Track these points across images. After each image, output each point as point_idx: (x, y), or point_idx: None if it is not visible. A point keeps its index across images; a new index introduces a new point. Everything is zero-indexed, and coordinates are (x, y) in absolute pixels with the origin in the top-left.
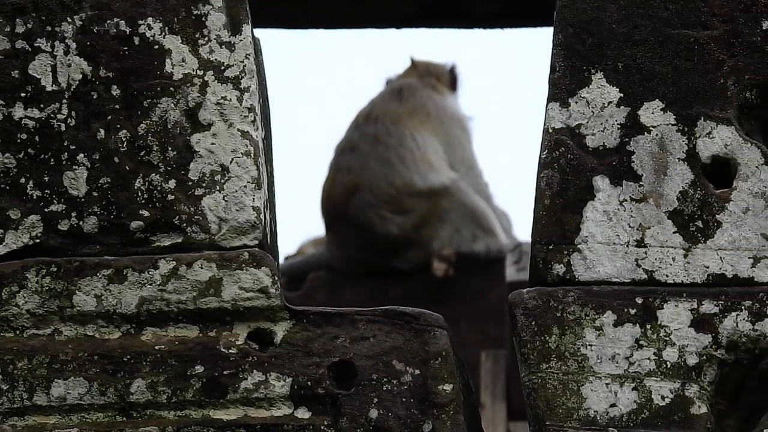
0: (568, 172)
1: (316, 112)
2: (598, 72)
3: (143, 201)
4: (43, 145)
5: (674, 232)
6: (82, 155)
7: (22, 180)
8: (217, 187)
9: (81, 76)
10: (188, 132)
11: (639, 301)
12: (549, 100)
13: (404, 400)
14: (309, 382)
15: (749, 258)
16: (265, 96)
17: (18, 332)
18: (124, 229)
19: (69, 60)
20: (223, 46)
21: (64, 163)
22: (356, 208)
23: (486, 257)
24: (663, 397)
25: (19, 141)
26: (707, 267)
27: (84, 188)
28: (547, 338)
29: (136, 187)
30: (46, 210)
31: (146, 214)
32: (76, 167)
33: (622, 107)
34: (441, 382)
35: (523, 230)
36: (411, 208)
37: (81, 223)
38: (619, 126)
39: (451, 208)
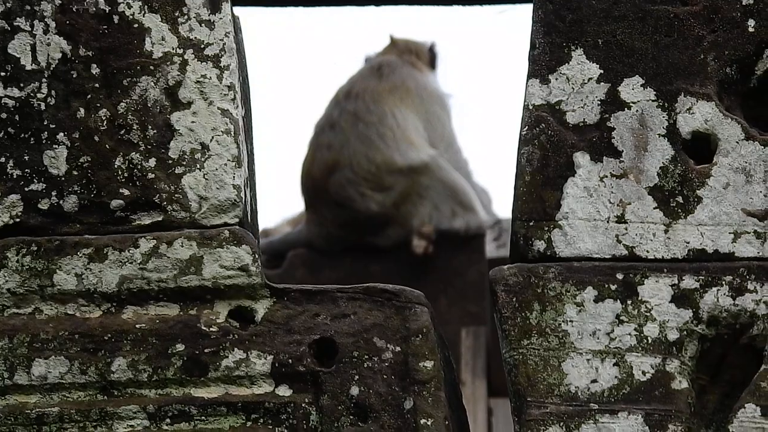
0: (549, 149)
1: (295, 90)
2: (577, 48)
3: (123, 180)
4: (22, 125)
5: (655, 208)
6: (62, 134)
7: (2, 159)
8: (198, 166)
9: (60, 55)
10: (168, 110)
11: (620, 276)
12: (529, 76)
13: (385, 377)
14: (290, 360)
15: (730, 233)
16: (245, 74)
17: None
18: (104, 207)
19: (48, 39)
20: (203, 25)
21: (44, 142)
22: (336, 185)
23: (466, 234)
24: (644, 373)
25: None
26: (688, 242)
27: (64, 167)
28: (528, 314)
29: (116, 166)
30: (26, 189)
31: (126, 192)
32: (56, 146)
33: (602, 83)
34: (422, 359)
35: (502, 207)
36: (391, 186)
37: (61, 202)
38: (599, 102)
39: (430, 185)
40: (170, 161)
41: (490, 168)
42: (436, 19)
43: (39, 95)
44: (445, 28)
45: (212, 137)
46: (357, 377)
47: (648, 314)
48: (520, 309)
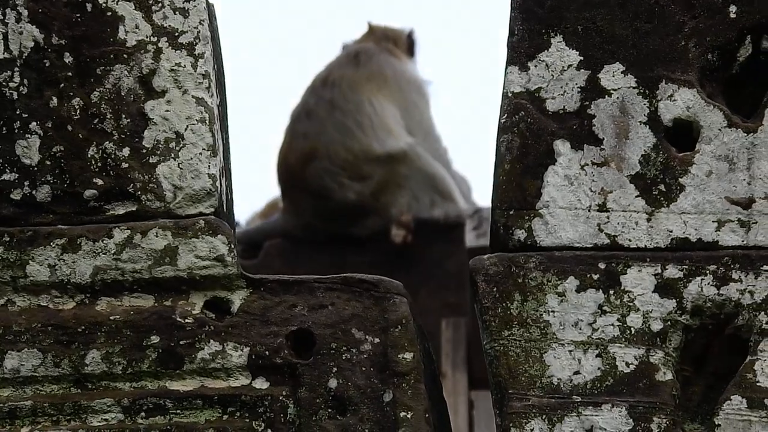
0: (528, 137)
1: (271, 78)
2: (557, 35)
3: (97, 169)
4: None
5: (637, 196)
6: (34, 123)
7: None
8: (172, 155)
9: (33, 43)
10: (142, 99)
11: (602, 266)
12: (508, 63)
13: (364, 369)
14: (267, 352)
15: (713, 222)
16: (219, 62)
17: None
18: (77, 197)
19: (21, 27)
20: (177, 12)
21: (16, 131)
22: (313, 174)
23: (445, 223)
24: (627, 364)
25: None
26: (671, 231)
27: (37, 157)
28: (509, 305)
29: (89, 156)
30: None
31: (100, 182)
32: (29, 136)
33: (582, 70)
34: (401, 351)
35: (482, 195)
36: (369, 175)
37: (34, 192)
38: (579, 89)
39: (409, 174)
40: (144, 150)
41: (470, 156)
42: (415, 6)
43: (11, 84)
44: (424, 15)
45: (187, 126)
46: (335, 369)
47: (631, 304)
48: (500, 299)
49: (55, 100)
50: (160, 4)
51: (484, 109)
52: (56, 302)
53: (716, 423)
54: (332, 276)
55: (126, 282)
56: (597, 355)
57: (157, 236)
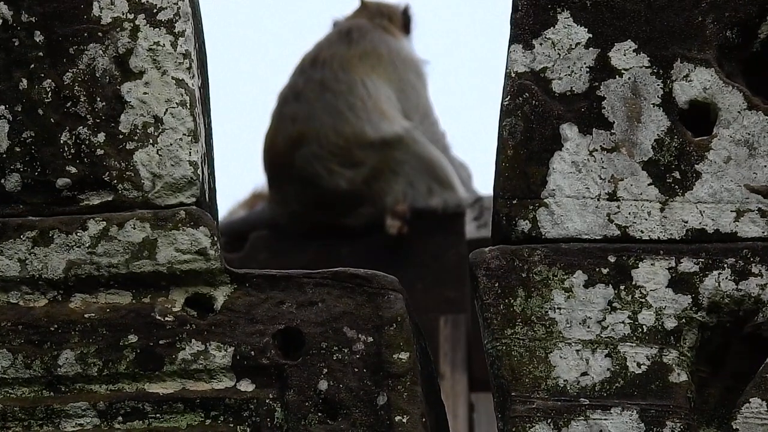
0: (533, 120)
1: (257, 57)
2: (564, 11)
3: (70, 156)
4: None
5: (649, 184)
6: (3, 107)
7: None
8: (150, 141)
9: (1, 21)
10: (118, 81)
11: (612, 259)
12: (511, 41)
13: (356, 370)
14: (252, 352)
15: (732, 211)
16: (201, 41)
17: None
18: (49, 187)
19: None
20: None
21: None
22: (302, 161)
23: (443, 213)
24: (639, 365)
25: None
26: (686, 222)
27: (5, 143)
28: (512, 301)
29: (62, 142)
30: None
31: (73, 170)
32: None
33: (590, 49)
34: (396, 351)
35: (483, 183)
36: (361, 161)
37: (3, 180)
38: (587, 69)
39: (405, 160)
40: (121, 136)
41: (470, 141)
42: None
43: None
44: None
45: (166, 110)
46: (325, 370)
47: (643, 300)
48: (503, 295)
49: (24, 82)
50: None
51: (487, 91)
52: (27, 299)
53: (734, 427)
54: (322, 270)
55: (102, 277)
56: (606, 355)
57: (134, 228)
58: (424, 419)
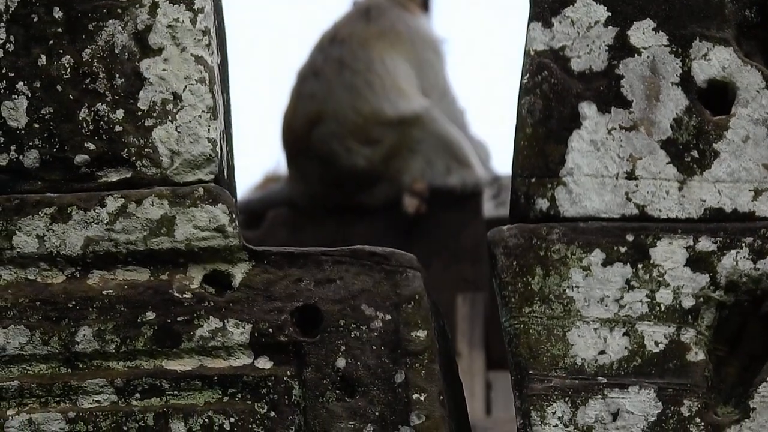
0: (552, 99)
1: (276, 34)
2: None
3: (89, 133)
4: None
5: (668, 163)
6: (21, 83)
7: None
8: (169, 117)
9: None
10: (137, 57)
11: (630, 238)
12: (530, 19)
13: (374, 348)
14: (270, 329)
15: (750, 191)
16: (220, 18)
17: None
18: (68, 163)
19: None
20: None
21: (2, 92)
22: (320, 139)
23: (461, 192)
24: (657, 343)
25: None
26: (704, 201)
27: (24, 119)
28: (530, 279)
29: (80, 118)
30: None
31: (92, 147)
32: (16, 97)
33: (609, 27)
34: (414, 329)
35: (502, 162)
36: (379, 139)
37: (21, 157)
38: (606, 48)
39: (423, 139)
40: (139, 113)
41: (489, 119)
42: None
43: None
44: None
45: (185, 86)
46: (343, 348)
47: (661, 279)
48: (521, 274)
49: (43, 58)
50: None
51: (506, 69)
52: (45, 276)
53: (751, 407)
54: (340, 248)
55: (120, 254)
56: (624, 334)
57: (152, 205)
58: (441, 397)
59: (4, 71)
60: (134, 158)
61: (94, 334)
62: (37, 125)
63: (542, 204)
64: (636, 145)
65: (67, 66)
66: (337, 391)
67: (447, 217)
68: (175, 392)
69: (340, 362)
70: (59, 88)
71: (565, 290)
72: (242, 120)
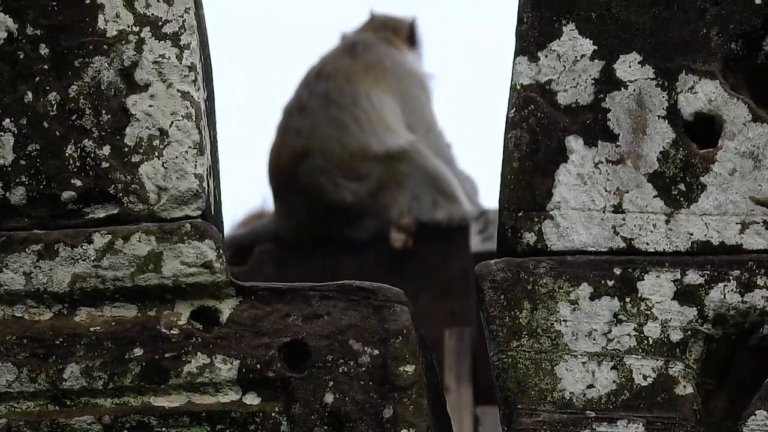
0: (539, 132)
1: (263, 70)
2: (569, 23)
3: (75, 169)
4: None
5: (655, 197)
6: (8, 120)
7: None
8: (156, 153)
9: (6, 34)
10: (124, 93)
11: (617, 271)
12: (516, 54)
13: (362, 382)
14: (258, 365)
15: (737, 223)
16: (206, 53)
17: None
18: (54, 200)
19: None
20: (161, 0)
21: None
22: (306, 173)
23: (448, 226)
24: (645, 377)
25: None
26: (691, 234)
27: (10, 156)
28: (518, 313)
29: (67, 155)
30: None
31: (79, 183)
32: (2, 133)
33: (596, 61)
34: (402, 363)
35: (489, 196)
36: (366, 174)
37: (7, 194)
38: (593, 81)
39: (409, 173)
40: (126, 149)
41: (476, 154)
42: None
43: None
44: (429, 2)
45: (172, 122)
46: (331, 383)
47: (649, 313)
48: (508, 307)
49: (30, 94)
50: None
51: (493, 103)
52: (32, 313)
53: None
54: (328, 283)
55: (107, 291)
56: (612, 368)
57: (140, 241)
58: None
59: None
60: (121, 194)
61: (82, 370)
62: (23, 162)
63: (529, 238)
64: (623, 178)
65: (54, 102)
66: (326, 427)
67: (434, 252)
68: (163, 429)
69: (328, 397)
70: (46, 124)
71: (552, 324)
72: (229, 155)
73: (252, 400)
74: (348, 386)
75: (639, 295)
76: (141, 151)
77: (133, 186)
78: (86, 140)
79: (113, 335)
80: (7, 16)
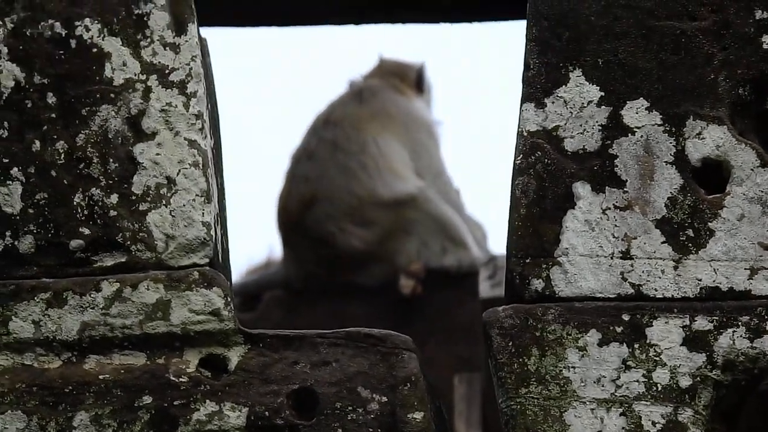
0: (546, 179)
1: (270, 117)
2: (576, 69)
3: (83, 218)
4: None
5: (663, 243)
6: (16, 169)
7: None
8: (163, 202)
9: (14, 83)
10: (131, 142)
11: (626, 318)
12: (523, 100)
13: (371, 430)
14: (267, 413)
15: (745, 269)
16: (213, 101)
17: None
18: (63, 248)
19: (0, 66)
20: (167, 48)
21: None
22: (314, 220)
23: (457, 272)
24: (654, 423)
25: None
26: (700, 279)
27: (19, 205)
28: (526, 360)
29: (75, 203)
30: None
31: (87, 231)
32: (10, 182)
33: (603, 107)
34: (411, 410)
35: (497, 242)
36: (374, 220)
37: (16, 242)
38: (600, 127)
39: (418, 219)
40: (134, 197)
41: (485, 200)
42: (429, 39)
43: None
44: (438, 49)
45: (179, 170)
46: (340, 431)
47: (657, 359)
48: (517, 354)
49: (37, 143)
50: (149, 40)
51: (501, 149)
52: (41, 361)
53: None
54: (336, 330)
55: (116, 338)
56: (621, 414)
57: (148, 289)
58: None
59: None
60: (129, 242)
61: (91, 418)
62: (31, 210)
63: (537, 284)
64: (631, 224)
65: (61, 151)
66: None
67: (443, 297)
68: None
69: None
70: (53, 173)
71: (561, 371)
72: (236, 203)
73: None
74: None
75: (648, 342)
76: (148, 199)
77: (140, 234)
78: (94, 189)
79: (122, 383)
80: (15, 65)
